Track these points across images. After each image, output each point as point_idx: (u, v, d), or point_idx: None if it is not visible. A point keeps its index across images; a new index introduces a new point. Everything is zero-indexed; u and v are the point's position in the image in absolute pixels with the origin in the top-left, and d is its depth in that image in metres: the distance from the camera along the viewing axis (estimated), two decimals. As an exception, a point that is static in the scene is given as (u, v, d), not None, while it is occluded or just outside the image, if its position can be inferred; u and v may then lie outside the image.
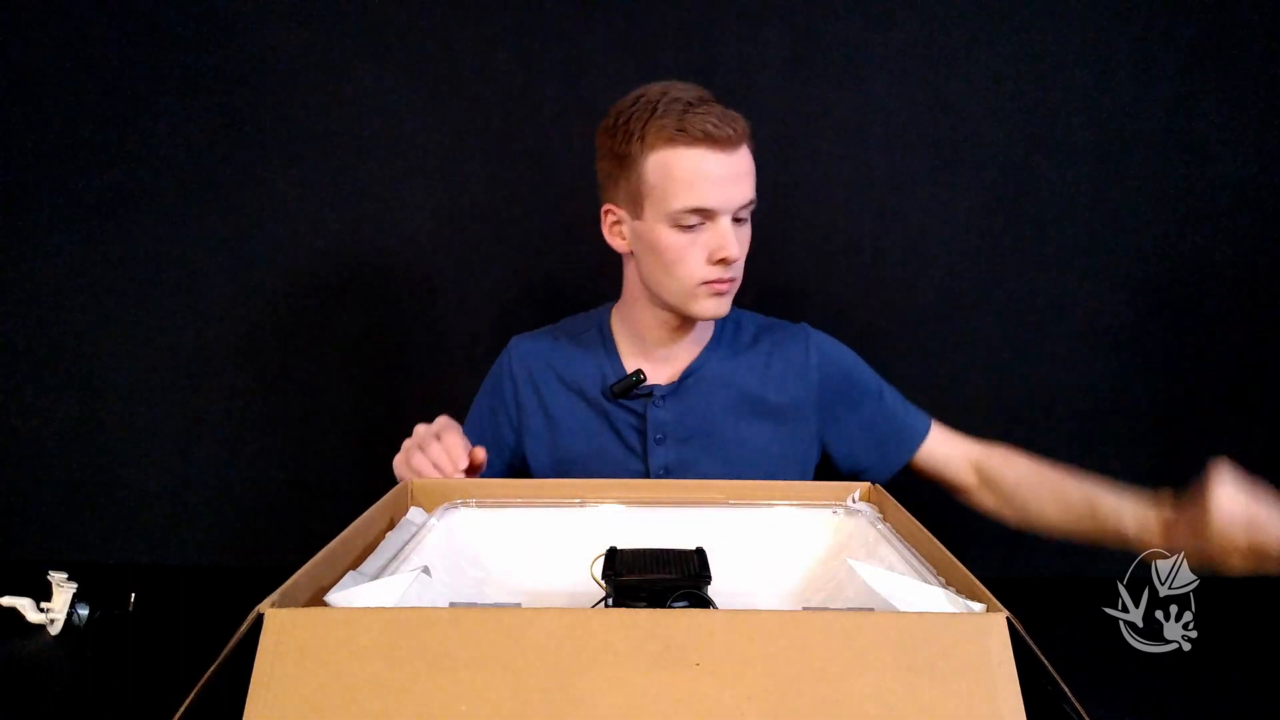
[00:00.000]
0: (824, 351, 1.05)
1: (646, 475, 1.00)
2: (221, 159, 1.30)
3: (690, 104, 0.89)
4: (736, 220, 0.93)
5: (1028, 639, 0.43)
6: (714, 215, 0.91)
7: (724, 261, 0.92)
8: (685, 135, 0.88)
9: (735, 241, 0.91)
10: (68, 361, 1.32)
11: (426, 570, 0.55)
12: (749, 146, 0.94)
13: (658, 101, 0.90)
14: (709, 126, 0.87)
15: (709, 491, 0.76)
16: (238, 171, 1.31)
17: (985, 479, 1.02)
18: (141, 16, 1.26)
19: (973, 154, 1.32)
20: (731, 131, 0.89)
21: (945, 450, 1.04)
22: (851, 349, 1.08)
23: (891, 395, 1.06)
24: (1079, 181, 1.32)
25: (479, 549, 0.72)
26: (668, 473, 1.00)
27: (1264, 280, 1.33)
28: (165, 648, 0.82)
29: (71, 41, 1.26)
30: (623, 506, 0.75)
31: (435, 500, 0.75)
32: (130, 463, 1.35)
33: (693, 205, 0.90)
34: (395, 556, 0.61)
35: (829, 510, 0.75)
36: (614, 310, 1.08)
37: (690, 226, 0.91)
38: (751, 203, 0.94)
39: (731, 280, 0.94)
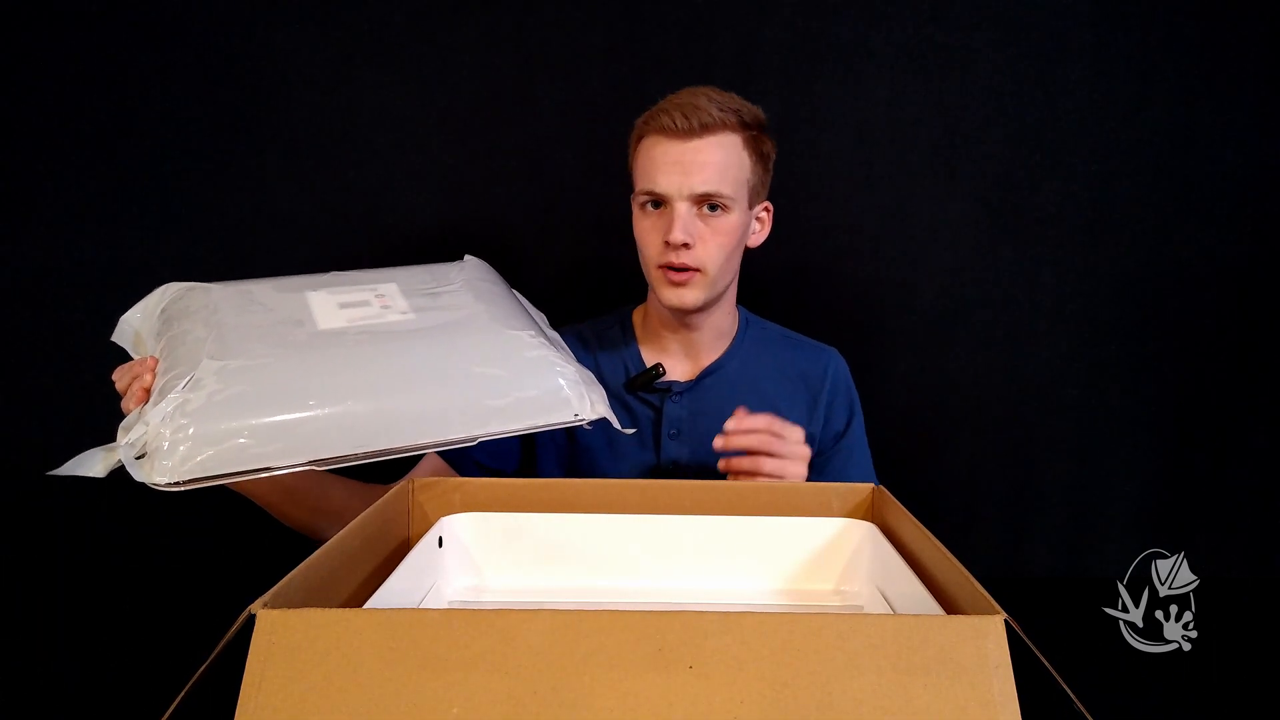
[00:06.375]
0: (839, 375, 1.09)
1: (657, 467, 1.02)
2: (221, 158, 1.30)
3: (677, 100, 0.95)
4: (711, 209, 0.95)
5: (1027, 641, 0.43)
6: (668, 200, 0.94)
7: (672, 246, 0.94)
8: (650, 126, 0.96)
9: (682, 227, 0.93)
10: (67, 361, 1.32)
11: None
12: (734, 138, 0.95)
13: (661, 100, 0.97)
14: (665, 120, 0.93)
15: (709, 495, 0.75)
16: (237, 171, 1.30)
17: None
18: (141, 16, 1.26)
19: (973, 153, 1.31)
20: (690, 124, 0.92)
21: None
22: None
23: (852, 456, 1.06)
24: (1079, 181, 1.31)
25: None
26: (677, 467, 1.02)
27: (1263, 280, 1.33)
28: (157, 647, 0.82)
29: (71, 41, 1.26)
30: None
31: (436, 501, 0.75)
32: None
33: (645, 188, 0.96)
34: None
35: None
36: (638, 307, 1.12)
37: (653, 210, 0.97)
38: (714, 195, 0.94)
39: (686, 268, 0.95)
